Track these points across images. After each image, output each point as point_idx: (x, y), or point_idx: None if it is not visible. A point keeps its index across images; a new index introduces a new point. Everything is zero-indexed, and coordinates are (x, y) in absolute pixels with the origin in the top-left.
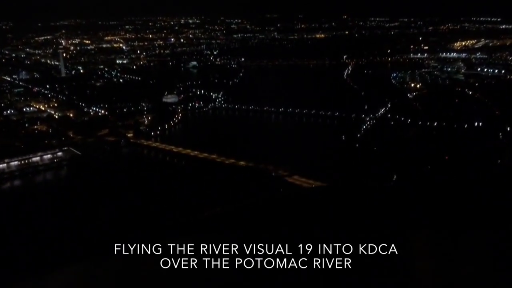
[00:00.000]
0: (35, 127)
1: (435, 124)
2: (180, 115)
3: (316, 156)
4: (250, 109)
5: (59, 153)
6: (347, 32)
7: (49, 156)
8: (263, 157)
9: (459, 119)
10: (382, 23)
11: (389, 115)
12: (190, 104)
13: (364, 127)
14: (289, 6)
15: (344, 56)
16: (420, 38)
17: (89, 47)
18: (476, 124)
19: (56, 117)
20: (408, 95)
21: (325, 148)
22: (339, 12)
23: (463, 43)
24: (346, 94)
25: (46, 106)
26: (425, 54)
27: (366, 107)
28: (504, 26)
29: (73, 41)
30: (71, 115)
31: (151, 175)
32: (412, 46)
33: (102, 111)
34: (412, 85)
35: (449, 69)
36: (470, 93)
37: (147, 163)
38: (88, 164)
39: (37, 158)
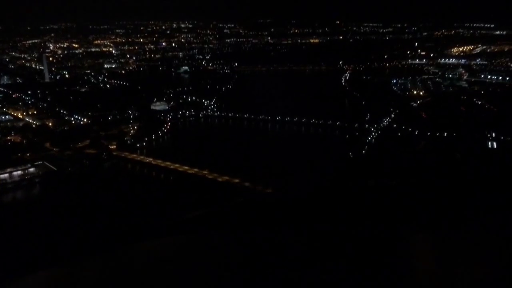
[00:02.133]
0: (8, 138)
1: (444, 134)
2: (170, 124)
3: (313, 172)
4: (245, 117)
5: (31, 169)
6: (341, 37)
7: (19, 172)
8: (256, 173)
9: (468, 128)
10: (376, 28)
11: (394, 126)
12: (180, 112)
13: (369, 139)
14: (282, 11)
15: (341, 62)
16: (416, 44)
17: (77, 51)
18: (487, 134)
19: (34, 126)
20: (412, 103)
21: (325, 164)
22: (332, 17)
23: (460, 49)
24: (346, 101)
25: (24, 113)
26: (424, 60)
27: (368, 116)
28: (498, 32)
29: (62, 45)
30: (50, 124)
31: (132, 194)
32: (409, 52)
33: (85, 120)
34: (415, 92)
35: (450, 75)
36: (476, 101)
37: (129, 180)
38: (63, 181)
39: (5, 175)
